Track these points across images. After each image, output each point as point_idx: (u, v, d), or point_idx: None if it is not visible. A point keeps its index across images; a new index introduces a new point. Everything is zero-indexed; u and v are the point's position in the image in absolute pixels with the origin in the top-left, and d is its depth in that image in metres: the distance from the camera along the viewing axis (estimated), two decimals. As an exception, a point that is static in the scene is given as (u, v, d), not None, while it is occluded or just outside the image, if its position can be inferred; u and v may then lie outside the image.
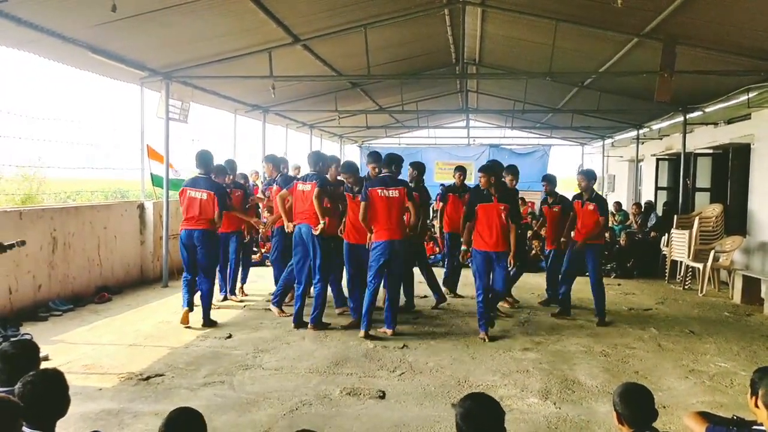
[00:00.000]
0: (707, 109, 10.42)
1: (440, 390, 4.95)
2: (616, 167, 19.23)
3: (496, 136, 21.09)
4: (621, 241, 11.48)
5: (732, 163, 10.63)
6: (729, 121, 11.01)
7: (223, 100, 11.06)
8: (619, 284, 10.04)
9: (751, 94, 8.60)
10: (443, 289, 8.10)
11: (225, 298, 8.06)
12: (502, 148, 21.41)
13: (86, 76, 8.90)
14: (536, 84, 11.58)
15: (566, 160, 22.32)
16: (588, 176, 7.50)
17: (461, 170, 8.56)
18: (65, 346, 6.00)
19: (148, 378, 5.08)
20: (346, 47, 9.15)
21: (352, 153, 22.19)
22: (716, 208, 10.42)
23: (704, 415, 2.98)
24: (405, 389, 4.96)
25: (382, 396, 4.79)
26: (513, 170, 7.54)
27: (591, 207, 7.28)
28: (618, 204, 14.53)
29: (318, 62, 9.48)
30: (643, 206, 13.70)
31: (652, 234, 11.84)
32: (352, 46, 8.91)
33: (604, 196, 12.65)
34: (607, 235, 11.38)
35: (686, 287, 9.78)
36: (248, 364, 5.52)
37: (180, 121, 9.36)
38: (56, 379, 2.62)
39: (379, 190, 6.38)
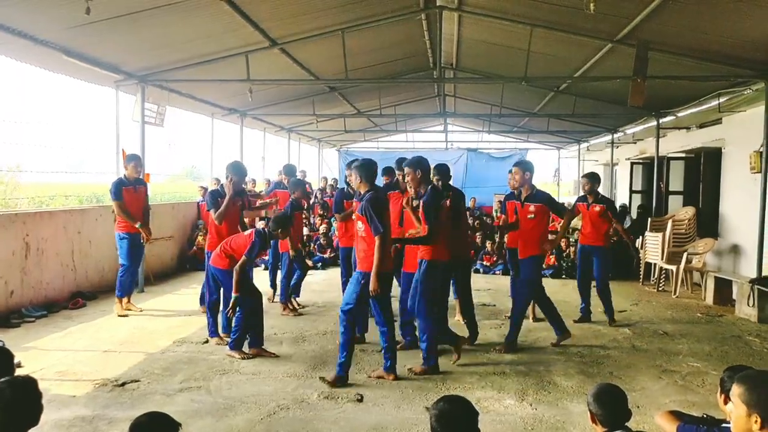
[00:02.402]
0: (679, 114, 10.62)
1: (418, 393, 4.97)
2: (591, 171, 19.45)
3: (474, 141, 21.30)
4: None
5: (704, 167, 10.84)
6: (701, 126, 11.23)
7: (199, 104, 10.99)
8: (594, 286, 10.13)
9: (721, 99, 8.80)
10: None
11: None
12: (479, 152, 21.59)
13: (60, 79, 8.78)
14: (512, 88, 11.69)
15: (543, 164, 22.51)
16: (592, 179, 7.61)
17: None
18: (38, 352, 5.91)
19: (123, 384, 5.03)
20: (324, 51, 9.15)
21: (331, 157, 22.20)
22: (689, 211, 10.62)
23: (676, 414, 3.03)
24: (383, 392, 4.98)
25: (360, 399, 4.79)
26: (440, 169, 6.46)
27: (597, 208, 7.38)
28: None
29: (296, 66, 9.48)
30: (618, 209, 13.87)
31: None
32: (330, 50, 8.91)
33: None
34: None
35: (660, 289, 9.93)
36: (225, 369, 5.49)
37: (156, 124, 9.28)
38: (28, 387, 2.55)
39: None
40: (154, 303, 8.26)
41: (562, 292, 9.19)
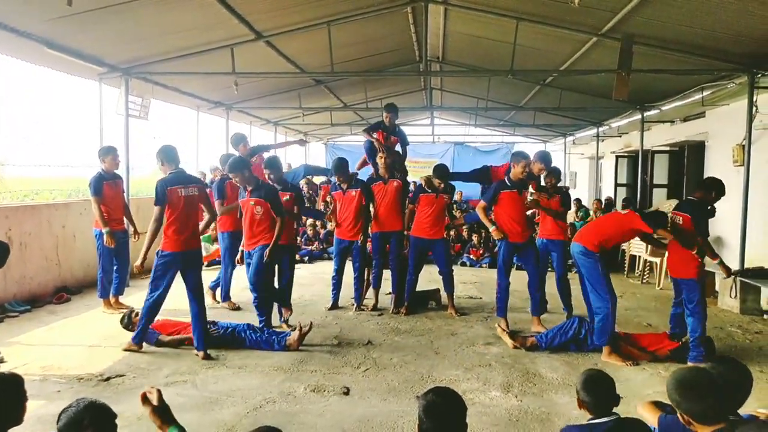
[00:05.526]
0: (664, 108, 10.70)
1: (404, 385, 4.99)
2: (577, 164, 19.59)
3: (461, 134, 21.31)
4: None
5: (687, 160, 10.95)
6: (685, 119, 11.33)
7: (185, 97, 10.91)
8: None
9: (705, 93, 8.87)
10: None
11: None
12: (466, 145, 21.63)
13: (43, 71, 8.66)
14: (499, 82, 11.72)
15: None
16: (555, 173, 7.65)
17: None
18: (22, 347, 5.86)
19: (108, 379, 5.00)
20: (310, 44, 9.11)
21: (318, 150, 22.14)
22: (673, 204, 10.68)
23: (657, 404, 3.08)
24: (369, 385, 4.99)
25: (347, 392, 4.81)
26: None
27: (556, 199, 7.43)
28: (578, 201, 14.78)
29: (281, 59, 9.42)
30: (603, 202, 13.98)
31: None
32: (316, 43, 8.88)
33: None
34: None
35: (644, 281, 10.03)
36: (211, 363, 5.48)
37: (140, 118, 9.19)
38: (11, 385, 2.47)
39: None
40: (139, 298, 8.18)
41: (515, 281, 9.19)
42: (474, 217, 8.86)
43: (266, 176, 6.74)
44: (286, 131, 18.08)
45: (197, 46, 8.28)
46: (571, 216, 15.26)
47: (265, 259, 6.04)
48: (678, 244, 5.74)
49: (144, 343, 5.85)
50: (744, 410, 2.88)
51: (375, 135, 7.82)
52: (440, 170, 7.41)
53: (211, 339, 5.84)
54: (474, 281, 10.03)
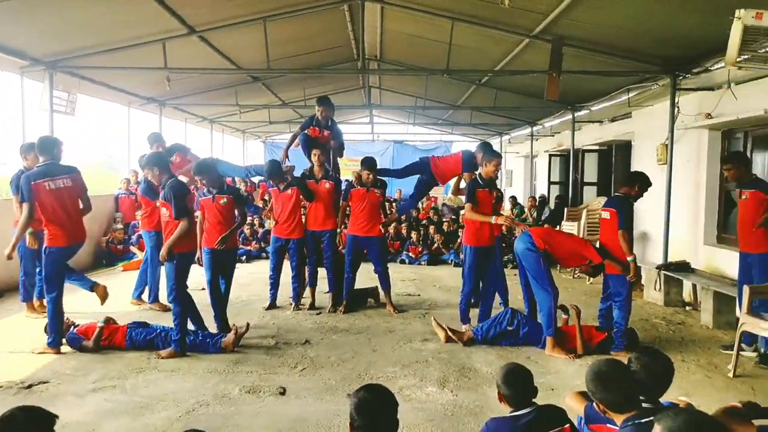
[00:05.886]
0: (593, 108, 11.06)
1: (341, 383, 4.97)
2: (513, 163, 20.03)
3: (400, 132, 21.44)
4: (516, 233, 11.98)
5: (615, 159, 11.37)
6: (613, 120, 11.76)
7: (114, 92, 10.52)
8: (515, 274, 10.44)
9: (631, 94, 9.21)
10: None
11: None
12: (405, 144, 21.80)
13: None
14: (436, 81, 11.85)
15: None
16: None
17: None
18: (-65, 356, 5.53)
19: (30, 386, 4.77)
20: (246, 40, 8.95)
21: (256, 148, 21.82)
22: (602, 201, 11.07)
23: (584, 394, 3.17)
24: (306, 384, 4.95)
25: (283, 392, 4.75)
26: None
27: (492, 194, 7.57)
28: (513, 198, 15.15)
29: (216, 54, 9.22)
30: (537, 200, 14.36)
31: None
32: (252, 38, 8.73)
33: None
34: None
35: (576, 276, 10.35)
36: (142, 367, 5.31)
37: (66, 113, 8.81)
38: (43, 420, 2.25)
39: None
40: (67, 301, 7.85)
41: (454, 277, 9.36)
42: (406, 208, 8.91)
43: (198, 182, 6.42)
44: (222, 129, 17.74)
45: (127, 40, 8.00)
46: (506, 213, 15.64)
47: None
48: (608, 241, 5.97)
49: (73, 348, 5.63)
50: (665, 398, 3.01)
51: (308, 131, 7.71)
52: (367, 162, 7.41)
53: (140, 342, 5.69)
54: (413, 278, 10.10)
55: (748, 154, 7.45)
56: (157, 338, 5.74)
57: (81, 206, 5.92)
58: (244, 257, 11.73)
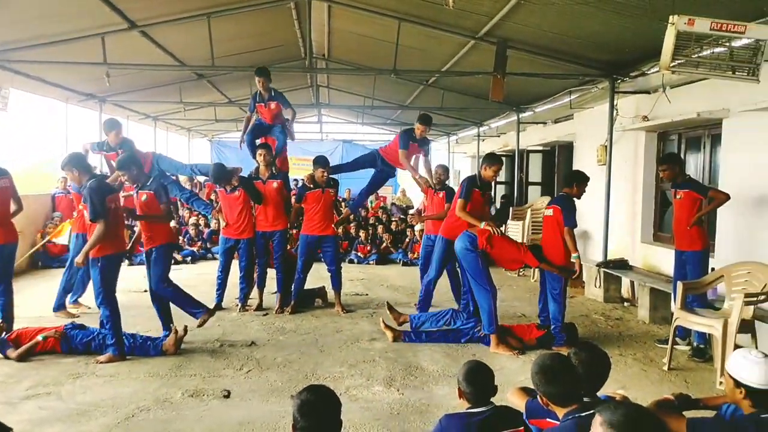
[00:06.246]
0: (537, 110, 11.31)
1: (287, 385, 4.92)
2: (460, 163, 20.27)
3: (349, 132, 21.36)
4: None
5: (558, 159, 11.64)
6: (556, 121, 12.03)
7: (51, 88, 10.09)
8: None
9: (572, 97, 9.47)
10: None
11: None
12: (354, 143, 21.76)
13: None
14: (384, 81, 11.85)
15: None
16: (444, 169, 7.91)
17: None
18: None
19: (-43, 395, 4.54)
20: (189, 36, 8.74)
21: (202, 147, 21.38)
22: (546, 201, 11.32)
23: (526, 390, 3.23)
24: (251, 387, 4.88)
25: (227, 395, 4.67)
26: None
27: (441, 195, 7.65)
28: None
29: (159, 50, 8.97)
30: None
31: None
32: (196, 35, 8.52)
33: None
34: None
35: (520, 274, 10.55)
36: (80, 372, 5.12)
37: (-2, 109, 8.43)
38: None
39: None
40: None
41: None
42: (358, 203, 8.88)
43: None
44: (167, 127, 17.31)
45: (64, 33, 7.69)
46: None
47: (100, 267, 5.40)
48: (549, 238, 6.13)
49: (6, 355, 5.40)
50: (603, 391, 3.09)
51: (257, 114, 7.68)
52: (321, 161, 7.42)
53: (77, 346, 5.50)
54: (361, 278, 10.11)
55: (682, 155, 7.74)
56: (93, 342, 5.54)
57: (13, 208, 5.68)
58: (189, 258, 11.49)
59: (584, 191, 6.23)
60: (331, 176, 7.50)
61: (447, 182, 7.87)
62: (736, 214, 6.34)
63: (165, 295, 5.95)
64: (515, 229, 10.75)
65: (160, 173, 7.02)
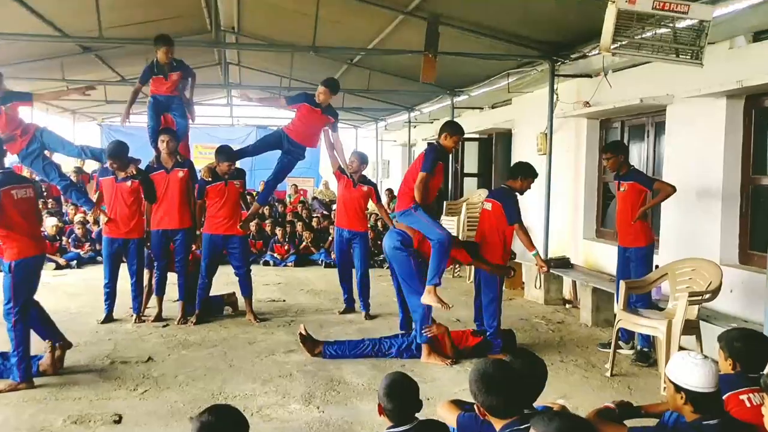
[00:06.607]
0: (472, 93, 11.51)
1: (190, 406, 4.80)
2: (390, 152, 20.42)
3: (264, 116, 21.07)
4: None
5: (496, 148, 11.90)
6: (493, 106, 12.30)
7: None
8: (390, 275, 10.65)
9: (510, 79, 9.68)
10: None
11: None
12: (270, 129, 21.48)
13: None
14: (303, 59, 11.76)
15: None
16: (360, 158, 7.91)
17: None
18: None
19: None
20: (72, 3, 8.37)
21: (90, 132, 20.57)
22: (482, 194, 11.55)
23: (457, 403, 3.27)
24: (148, 409, 4.74)
25: (118, 420, 4.52)
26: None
27: (365, 189, 7.70)
28: (390, 191, 15.43)
29: (34, 18, 8.52)
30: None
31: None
32: (80, 1, 8.17)
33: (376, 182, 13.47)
34: (380, 224, 12.10)
35: (455, 275, 10.73)
36: (-63, 400, 4.83)
37: None
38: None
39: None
40: None
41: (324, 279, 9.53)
42: (266, 196, 8.61)
43: None
44: (47, 107, 16.55)
45: None
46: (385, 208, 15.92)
47: None
48: (487, 234, 6.24)
49: None
50: (542, 401, 3.17)
51: (147, 84, 7.34)
52: (224, 152, 7.23)
53: None
54: (278, 282, 10.01)
55: (626, 143, 8.04)
56: None
57: None
58: (74, 262, 11.06)
59: (529, 188, 6.38)
60: (236, 167, 7.37)
61: (365, 174, 7.89)
62: (681, 208, 6.66)
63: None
64: (450, 226, 10.90)
65: (40, 149, 6.71)
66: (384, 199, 15.94)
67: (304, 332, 6.10)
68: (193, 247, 7.57)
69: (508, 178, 6.44)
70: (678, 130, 6.90)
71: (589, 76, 8.44)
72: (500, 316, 6.26)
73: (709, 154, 6.38)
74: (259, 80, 15.60)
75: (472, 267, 7.43)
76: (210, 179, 7.18)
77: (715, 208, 6.35)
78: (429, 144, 6.38)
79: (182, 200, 7.20)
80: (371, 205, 8.22)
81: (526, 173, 6.30)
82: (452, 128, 6.18)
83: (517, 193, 6.28)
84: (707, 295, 5.35)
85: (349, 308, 7.93)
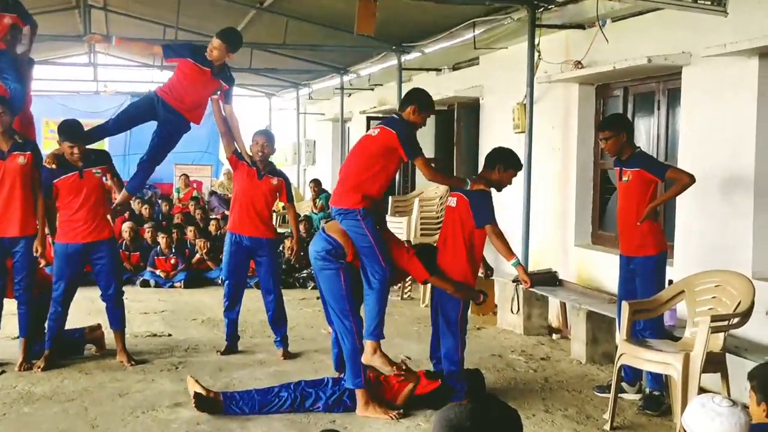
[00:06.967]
0: (427, 50, 11.55)
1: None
2: (316, 129, 20.33)
3: (140, 81, 20.73)
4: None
5: (458, 125, 11.94)
6: (454, 68, 12.37)
7: None
8: (318, 297, 10.52)
9: (477, 31, 9.69)
10: None
11: None
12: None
13: None
14: (195, 2, 11.62)
15: (249, 119, 22.62)
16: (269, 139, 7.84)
17: None
18: None
19: None
20: None
21: None
22: (441, 187, 11.59)
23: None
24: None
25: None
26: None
27: (275, 182, 7.71)
28: (317, 183, 15.39)
29: None
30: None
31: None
32: None
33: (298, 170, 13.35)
34: (301, 227, 12.04)
35: (406, 296, 10.76)
36: None
37: None
38: None
39: None
40: None
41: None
42: (139, 183, 8.33)
43: None
44: None
45: None
46: (306, 206, 15.87)
47: None
48: (450, 238, 6.23)
49: None
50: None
51: None
52: (68, 131, 7.00)
53: None
54: (161, 310, 9.91)
55: (630, 118, 8.11)
56: None
57: None
58: None
59: (510, 182, 6.38)
60: (91, 149, 7.23)
61: (272, 160, 7.86)
62: (702, 204, 6.76)
63: None
64: (397, 229, 10.91)
65: None
66: (308, 195, 15.96)
67: (200, 390, 5.96)
68: (41, 262, 7.38)
69: (485, 167, 6.38)
70: (697, 100, 7.01)
71: (581, 27, 8.52)
72: (463, 352, 6.26)
73: (737, 132, 6.48)
74: (135, 31, 15.37)
75: (429, 285, 7.46)
76: (56, 170, 6.96)
77: (745, 204, 6.45)
78: (393, 118, 6.18)
79: (24, 197, 6.99)
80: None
81: (507, 162, 6.26)
82: (422, 100, 6.12)
83: (492, 188, 6.23)
84: (736, 320, 5.42)
85: (231, 347, 7.85)
